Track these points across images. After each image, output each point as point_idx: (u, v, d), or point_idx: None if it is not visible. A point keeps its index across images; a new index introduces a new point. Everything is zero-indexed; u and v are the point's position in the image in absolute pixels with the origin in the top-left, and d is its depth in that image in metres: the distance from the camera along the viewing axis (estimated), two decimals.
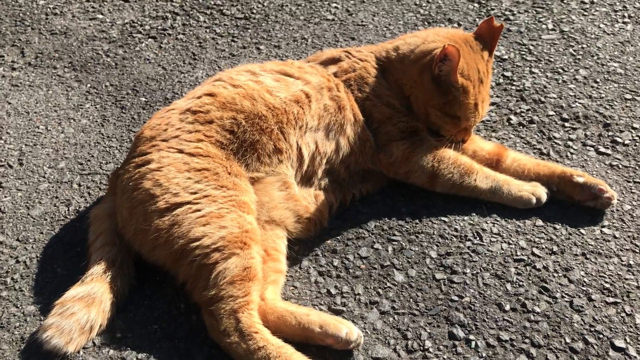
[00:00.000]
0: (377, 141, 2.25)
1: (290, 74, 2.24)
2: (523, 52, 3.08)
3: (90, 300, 1.82)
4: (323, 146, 2.17)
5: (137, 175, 1.93)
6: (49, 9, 3.73)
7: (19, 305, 1.96)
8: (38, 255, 2.14)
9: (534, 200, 2.15)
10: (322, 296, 1.96)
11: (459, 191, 2.21)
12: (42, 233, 2.22)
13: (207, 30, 3.46)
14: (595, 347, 1.75)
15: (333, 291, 1.97)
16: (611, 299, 1.88)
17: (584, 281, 1.94)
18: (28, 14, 3.69)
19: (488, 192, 2.19)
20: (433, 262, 2.04)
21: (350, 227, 2.18)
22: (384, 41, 2.58)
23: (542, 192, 2.16)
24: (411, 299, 1.92)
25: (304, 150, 2.14)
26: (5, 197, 2.39)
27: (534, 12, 3.42)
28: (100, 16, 3.65)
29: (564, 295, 1.90)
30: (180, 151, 1.96)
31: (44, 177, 2.49)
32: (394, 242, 2.11)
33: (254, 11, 3.61)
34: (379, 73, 2.31)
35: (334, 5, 3.63)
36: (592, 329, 1.80)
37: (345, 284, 1.99)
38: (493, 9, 3.47)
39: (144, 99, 2.93)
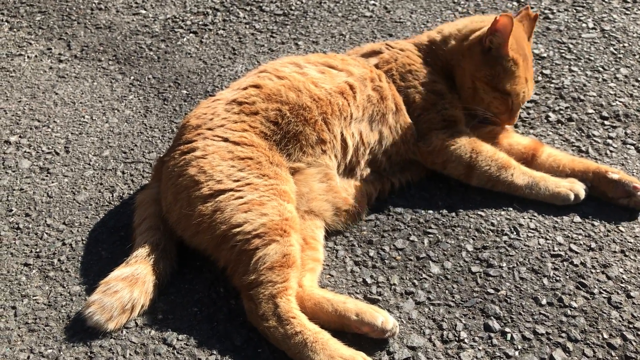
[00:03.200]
0: (418, 130, 2.27)
1: (334, 65, 2.28)
2: (562, 50, 3.06)
3: (134, 280, 1.88)
4: (367, 136, 2.21)
5: (182, 162, 1.99)
6: (94, 4, 3.84)
7: (65, 285, 2.03)
8: (83, 238, 2.21)
9: (572, 197, 2.14)
10: (358, 285, 1.99)
11: (495, 185, 2.22)
12: (87, 217, 2.30)
13: (247, 26, 3.52)
14: (634, 343, 1.74)
15: (369, 280, 1.99)
16: None
17: (623, 278, 1.93)
18: (74, 8, 3.80)
19: (525, 187, 2.19)
20: (469, 255, 2.05)
21: (386, 219, 2.21)
22: (421, 34, 2.60)
23: (581, 189, 2.15)
24: (447, 291, 1.94)
25: (348, 140, 2.17)
26: (52, 182, 2.48)
27: (574, 11, 3.39)
28: (143, 11, 3.74)
29: (601, 291, 1.89)
30: (225, 139, 2.01)
31: (89, 164, 2.58)
32: (430, 235, 2.13)
33: (293, 7, 3.66)
34: (422, 60, 2.33)
35: (372, 2, 3.65)
36: (631, 326, 1.78)
37: (381, 274, 2.01)
38: (532, 7, 3.45)
39: (185, 92, 3.00)
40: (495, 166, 2.19)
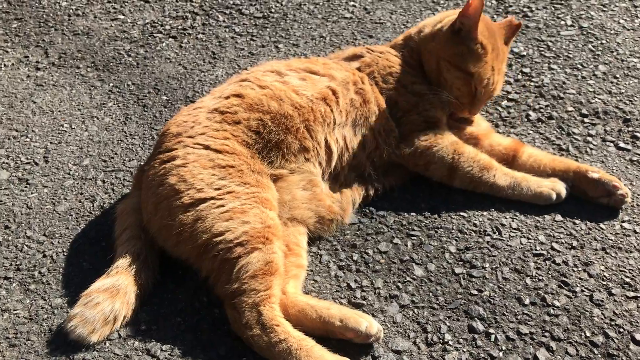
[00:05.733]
0: (400, 132, 2.27)
1: (316, 71, 2.28)
2: (542, 49, 3.08)
3: (115, 291, 1.86)
4: (351, 141, 2.21)
5: (162, 171, 1.97)
6: (71, 10, 3.80)
7: (46, 298, 2.01)
8: (64, 249, 2.19)
9: (554, 196, 2.16)
10: (342, 290, 1.99)
11: (477, 187, 2.22)
12: (67, 228, 2.28)
13: (227, 29, 3.50)
14: (616, 340, 1.75)
15: (353, 285, 1.99)
16: (632, 293, 1.88)
17: (604, 275, 1.94)
18: (51, 15, 3.76)
19: (507, 188, 2.20)
20: (452, 256, 2.05)
21: (369, 223, 2.21)
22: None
23: (562, 188, 2.16)
24: (430, 293, 1.94)
25: (333, 146, 2.17)
26: (32, 193, 2.45)
27: (552, 9, 3.41)
28: (122, 17, 3.71)
29: (583, 289, 1.90)
30: (207, 147, 2.00)
31: (69, 174, 2.55)
32: (413, 237, 2.13)
33: (273, 10, 3.64)
34: (402, 62, 2.34)
35: (352, 3, 3.65)
36: (613, 323, 1.80)
37: (365, 278, 2.01)
38: (511, 6, 3.47)
39: (165, 98, 2.98)
40: (478, 167, 2.20)
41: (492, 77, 2.26)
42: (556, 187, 2.17)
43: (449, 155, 2.21)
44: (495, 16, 3.39)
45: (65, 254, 2.17)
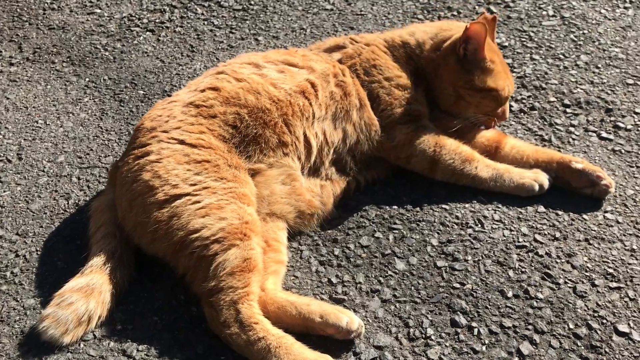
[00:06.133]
0: (382, 125, 2.23)
1: (295, 63, 2.23)
2: (523, 39, 3.05)
3: (89, 291, 1.81)
4: (331, 135, 2.16)
5: (136, 167, 1.92)
6: (46, 4, 3.71)
7: (18, 299, 1.95)
8: (38, 249, 2.13)
9: (537, 187, 2.13)
10: (323, 285, 1.95)
11: (460, 179, 2.19)
12: (41, 227, 2.22)
13: (205, 22, 3.44)
14: (599, 332, 1.73)
15: (334, 280, 1.96)
16: (614, 284, 1.86)
17: (587, 267, 1.92)
18: (25, 9, 3.67)
19: (489, 180, 2.17)
20: (434, 249, 2.02)
21: (351, 216, 2.17)
22: (383, 30, 2.56)
23: (545, 179, 2.14)
24: (412, 287, 1.91)
25: (312, 141, 2.12)
26: (4, 191, 2.38)
27: None
28: (98, 10, 3.63)
29: (567, 281, 1.88)
30: (182, 142, 1.95)
31: (43, 171, 2.48)
32: (394, 231, 2.10)
33: (252, 2, 3.59)
34: (388, 56, 2.29)
35: None
36: (596, 314, 1.78)
37: (347, 273, 1.98)
38: None
39: (142, 92, 2.92)
40: (459, 160, 2.17)
41: (509, 80, 2.25)
42: (539, 178, 2.14)
43: (430, 148, 2.18)
44: (477, 7, 3.36)
45: (38, 253, 2.11)
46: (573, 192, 2.16)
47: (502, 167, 2.19)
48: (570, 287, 1.86)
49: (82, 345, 1.79)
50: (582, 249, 1.98)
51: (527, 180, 2.15)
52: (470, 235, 2.05)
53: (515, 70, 2.84)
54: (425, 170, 2.23)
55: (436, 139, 2.20)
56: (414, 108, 2.25)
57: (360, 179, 2.26)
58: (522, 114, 2.58)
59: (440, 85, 2.28)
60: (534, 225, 2.07)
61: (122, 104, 2.85)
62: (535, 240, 2.02)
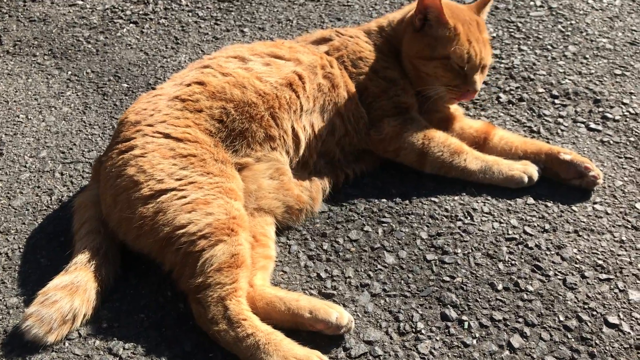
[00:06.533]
0: (370, 117, 2.21)
1: (281, 55, 2.20)
2: (511, 30, 3.04)
3: (73, 288, 1.77)
4: (319, 129, 2.13)
5: (120, 162, 1.88)
6: None
7: (0, 298, 1.91)
8: (20, 246, 2.08)
9: (526, 179, 2.12)
10: (312, 280, 1.93)
11: (449, 172, 2.18)
12: (24, 224, 2.17)
13: (190, 13, 3.38)
14: (589, 324, 1.73)
15: (323, 275, 1.93)
16: (604, 276, 1.86)
17: (577, 258, 1.91)
18: (5, 1, 3.59)
19: (478, 172, 2.15)
20: (424, 243, 2.01)
21: (339, 210, 2.15)
22: (370, 21, 2.53)
23: (534, 170, 2.13)
24: (402, 281, 1.89)
25: (300, 134, 2.09)
26: None
27: None
28: (80, 2, 3.56)
29: (556, 273, 1.88)
30: (167, 136, 1.91)
31: (25, 166, 2.43)
32: (384, 224, 2.08)
33: None
34: (372, 47, 2.28)
35: None
36: (586, 306, 1.78)
37: (336, 268, 1.96)
38: None
39: (126, 85, 2.87)
40: (448, 152, 2.15)
41: (472, 48, 2.15)
42: (528, 170, 2.13)
43: (419, 141, 2.16)
44: None
45: (21, 250, 2.07)
46: (562, 183, 2.15)
47: (491, 159, 2.17)
48: (560, 279, 1.86)
49: (67, 344, 1.76)
50: (572, 241, 1.97)
51: (516, 172, 2.13)
52: (459, 228, 2.04)
53: (503, 61, 2.82)
54: (414, 163, 2.21)
55: (425, 132, 2.18)
56: (402, 100, 2.22)
57: (349, 172, 2.24)
58: (510, 105, 2.57)
59: (404, 61, 2.27)
60: (523, 217, 2.06)
61: (105, 98, 2.80)
62: (525, 232, 2.01)
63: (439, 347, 1.71)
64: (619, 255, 1.92)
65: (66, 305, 1.75)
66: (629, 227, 2.01)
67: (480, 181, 2.16)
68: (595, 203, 2.09)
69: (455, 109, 2.41)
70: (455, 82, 2.19)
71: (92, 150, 2.50)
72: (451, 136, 2.21)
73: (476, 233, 2.02)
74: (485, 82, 2.70)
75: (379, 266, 1.95)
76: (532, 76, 2.71)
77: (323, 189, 2.15)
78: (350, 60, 2.26)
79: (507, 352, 1.68)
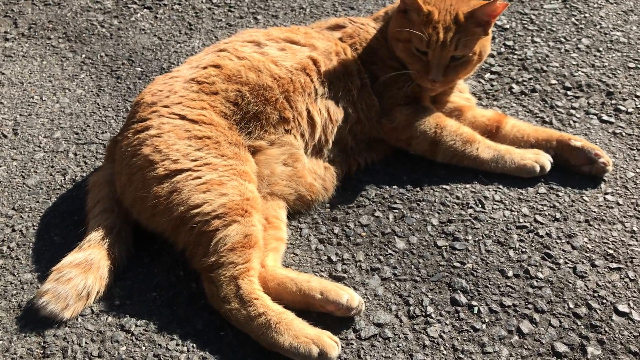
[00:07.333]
0: (381, 106, 2.22)
1: (296, 41, 2.21)
2: (525, 22, 3.03)
3: (87, 266, 1.79)
4: (334, 113, 2.14)
5: (136, 142, 1.90)
6: None
7: (15, 274, 1.93)
8: (34, 224, 2.11)
9: (538, 168, 2.12)
10: (322, 263, 1.94)
11: (461, 160, 2.18)
12: (38, 202, 2.19)
13: (203, 0, 3.39)
14: (599, 312, 1.74)
15: (334, 258, 1.95)
16: (615, 265, 1.86)
17: (588, 247, 1.92)
18: None
19: (490, 161, 2.16)
20: (434, 229, 2.01)
21: (351, 196, 2.16)
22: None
23: (546, 160, 2.13)
24: (412, 266, 1.90)
25: (316, 117, 2.10)
26: (0, 166, 2.35)
27: None
28: None
29: (567, 261, 1.88)
30: (183, 117, 1.93)
31: (39, 146, 2.45)
32: (395, 210, 2.09)
33: None
34: (380, 35, 2.28)
35: None
36: (596, 294, 1.78)
37: (346, 251, 1.97)
38: None
39: (139, 69, 2.88)
40: (460, 141, 2.16)
41: (436, 34, 2.04)
42: (540, 159, 2.13)
43: (431, 130, 2.16)
44: None
45: (35, 228, 2.09)
46: (573, 173, 2.15)
47: (503, 148, 2.18)
48: (570, 267, 1.86)
49: (79, 320, 1.78)
50: (583, 230, 1.98)
51: (528, 161, 2.14)
52: (470, 215, 2.05)
53: (516, 52, 2.82)
54: (426, 152, 2.21)
55: (437, 120, 2.18)
56: (413, 89, 2.22)
57: (360, 161, 2.25)
58: (523, 96, 2.57)
59: (390, 43, 2.24)
60: (534, 206, 2.06)
61: (119, 81, 2.81)
62: (536, 220, 2.01)
63: (449, 331, 1.72)
64: (630, 245, 1.92)
65: (81, 283, 1.78)
66: None
67: (492, 170, 2.16)
68: (606, 194, 2.09)
69: (467, 98, 2.41)
70: (415, 67, 2.14)
71: (106, 131, 2.52)
72: (463, 125, 2.22)
73: (487, 221, 2.02)
74: (498, 73, 2.71)
75: (390, 251, 1.96)
76: (545, 68, 2.70)
77: (337, 177, 2.16)
78: (362, 47, 2.26)
79: (516, 337, 1.69)
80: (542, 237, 1.96)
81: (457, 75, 2.15)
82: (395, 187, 2.18)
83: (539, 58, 2.77)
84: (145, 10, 3.34)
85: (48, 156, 2.40)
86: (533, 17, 3.07)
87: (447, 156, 2.19)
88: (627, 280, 1.82)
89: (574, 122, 2.41)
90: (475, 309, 1.77)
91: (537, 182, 2.14)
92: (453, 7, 2.05)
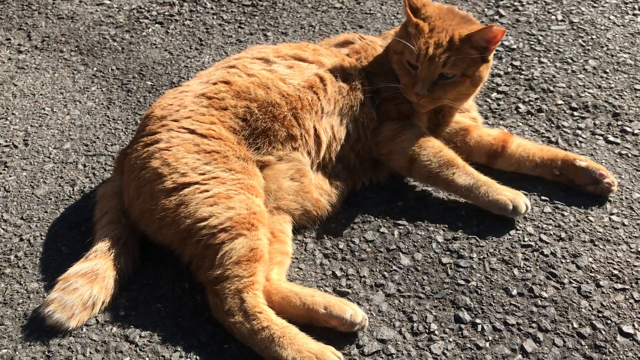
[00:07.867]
0: (377, 119, 2.23)
1: (304, 58, 2.23)
2: (532, 42, 3.06)
3: (93, 276, 1.81)
4: (338, 131, 2.16)
5: (145, 154, 1.92)
6: None
7: (22, 282, 1.95)
8: (42, 233, 2.13)
9: (511, 207, 2.01)
10: (327, 278, 1.95)
11: (435, 182, 2.14)
12: (46, 212, 2.21)
13: (214, 16, 3.44)
14: (603, 332, 1.73)
15: (338, 273, 1.95)
16: (619, 285, 1.86)
17: (592, 267, 1.92)
18: None
19: (464, 188, 2.08)
20: (439, 246, 2.02)
21: (356, 211, 2.17)
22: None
23: (522, 202, 2.02)
24: (417, 282, 1.91)
25: (322, 135, 2.11)
26: (10, 176, 2.38)
27: (543, 3, 3.39)
28: (108, 1, 3.63)
29: (571, 281, 1.88)
30: (192, 131, 1.95)
31: (49, 157, 2.48)
32: (400, 227, 2.10)
33: None
34: (384, 54, 2.31)
35: None
36: (600, 315, 1.78)
37: (351, 267, 1.97)
38: (502, 0, 3.44)
39: (150, 83, 2.92)
40: (437, 162, 2.10)
41: (425, 48, 2.03)
42: (516, 200, 2.02)
43: (411, 147, 2.14)
44: (486, 9, 3.36)
45: (43, 238, 2.11)
46: (579, 192, 2.16)
47: (484, 179, 2.09)
48: (574, 287, 1.86)
49: (84, 330, 1.79)
50: (588, 250, 1.98)
51: (503, 197, 2.03)
52: (475, 233, 2.05)
53: (523, 72, 2.84)
54: (402, 168, 2.19)
55: (420, 139, 2.15)
56: (407, 107, 2.22)
57: (365, 180, 2.25)
58: (529, 115, 2.58)
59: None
60: (539, 225, 2.07)
61: (129, 94, 2.85)
62: (541, 240, 2.02)
63: (452, 349, 1.72)
64: (635, 266, 1.92)
65: (86, 293, 1.79)
66: None
67: (464, 198, 2.11)
68: (612, 214, 2.10)
69: (473, 117, 2.42)
70: (405, 79, 2.15)
71: (115, 144, 2.54)
72: (448, 148, 2.17)
73: (492, 239, 2.03)
74: (504, 93, 2.72)
75: (394, 267, 1.96)
76: (551, 88, 2.72)
77: (342, 193, 2.17)
78: (367, 61, 2.30)
79: (519, 356, 1.69)
80: (547, 256, 1.96)
81: (445, 94, 2.11)
82: (400, 203, 2.19)
83: (546, 78, 2.79)
84: (156, 25, 3.39)
85: (57, 167, 2.43)
86: (540, 37, 3.09)
87: (422, 176, 2.15)
88: (632, 301, 1.81)
89: (580, 142, 2.42)
90: (479, 327, 1.77)
91: (543, 201, 2.14)
92: (452, 28, 2.07)
